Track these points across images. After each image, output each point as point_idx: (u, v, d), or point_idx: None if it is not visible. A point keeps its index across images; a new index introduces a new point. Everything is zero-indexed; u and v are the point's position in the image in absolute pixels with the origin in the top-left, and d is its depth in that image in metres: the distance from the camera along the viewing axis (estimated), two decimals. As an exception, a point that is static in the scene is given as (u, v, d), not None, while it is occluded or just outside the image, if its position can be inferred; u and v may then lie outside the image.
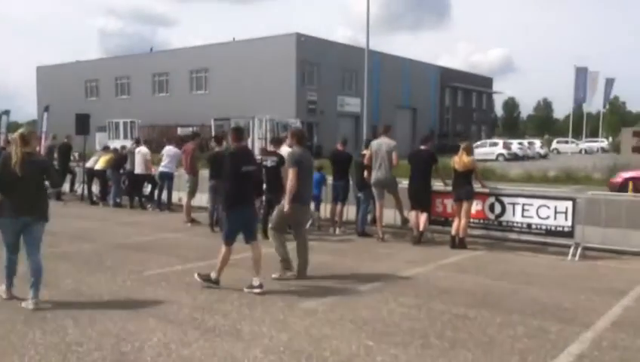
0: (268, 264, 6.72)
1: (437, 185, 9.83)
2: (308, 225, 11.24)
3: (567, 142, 52.02)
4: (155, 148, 21.66)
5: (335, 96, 43.90)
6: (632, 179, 14.64)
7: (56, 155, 16.39)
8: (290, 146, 7.86)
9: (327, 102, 42.68)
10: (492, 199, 9.29)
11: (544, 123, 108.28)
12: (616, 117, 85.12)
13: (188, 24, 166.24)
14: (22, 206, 5.52)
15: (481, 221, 9.42)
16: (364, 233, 10.24)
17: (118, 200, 14.68)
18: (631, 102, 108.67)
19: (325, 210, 11.18)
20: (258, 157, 10.49)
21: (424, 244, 9.37)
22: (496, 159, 35.47)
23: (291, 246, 7.01)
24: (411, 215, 9.78)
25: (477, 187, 9.27)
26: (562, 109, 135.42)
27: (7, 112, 42.05)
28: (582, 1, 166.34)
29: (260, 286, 6.14)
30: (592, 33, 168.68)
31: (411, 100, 51.28)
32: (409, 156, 9.98)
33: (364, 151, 10.44)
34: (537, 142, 45.19)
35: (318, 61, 42.17)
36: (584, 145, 52.07)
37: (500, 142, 41.42)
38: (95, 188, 15.62)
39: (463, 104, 60.27)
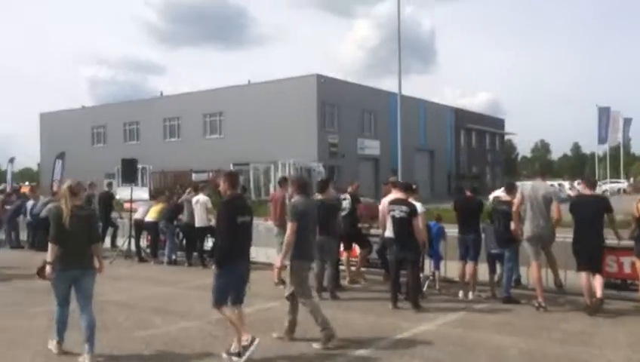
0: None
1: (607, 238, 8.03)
2: (425, 287, 9.41)
3: (590, 183, 50.81)
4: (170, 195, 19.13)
5: (355, 139, 42.33)
6: None
7: (95, 205, 14.53)
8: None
9: (347, 144, 41.12)
10: (694, 256, 7.46)
11: (542, 164, 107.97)
12: (630, 158, 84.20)
13: (175, 71, 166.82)
14: (71, 259, 5.52)
15: (677, 284, 7.57)
16: (511, 299, 8.33)
17: (173, 256, 12.72)
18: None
19: (446, 268, 9.33)
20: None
21: (604, 314, 7.46)
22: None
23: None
24: (581, 277, 7.90)
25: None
26: (555, 151, 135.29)
27: (12, 160, 40.51)
28: (559, 44, 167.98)
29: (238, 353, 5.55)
30: (575, 74, 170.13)
31: (428, 142, 49.95)
32: (572, 204, 8.24)
33: (504, 197, 8.70)
34: (566, 184, 43.67)
35: (337, 102, 40.82)
36: (606, 186, 50.74)
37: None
38: (143, 243, 13.70)
39: (476, 145, 59.06)
